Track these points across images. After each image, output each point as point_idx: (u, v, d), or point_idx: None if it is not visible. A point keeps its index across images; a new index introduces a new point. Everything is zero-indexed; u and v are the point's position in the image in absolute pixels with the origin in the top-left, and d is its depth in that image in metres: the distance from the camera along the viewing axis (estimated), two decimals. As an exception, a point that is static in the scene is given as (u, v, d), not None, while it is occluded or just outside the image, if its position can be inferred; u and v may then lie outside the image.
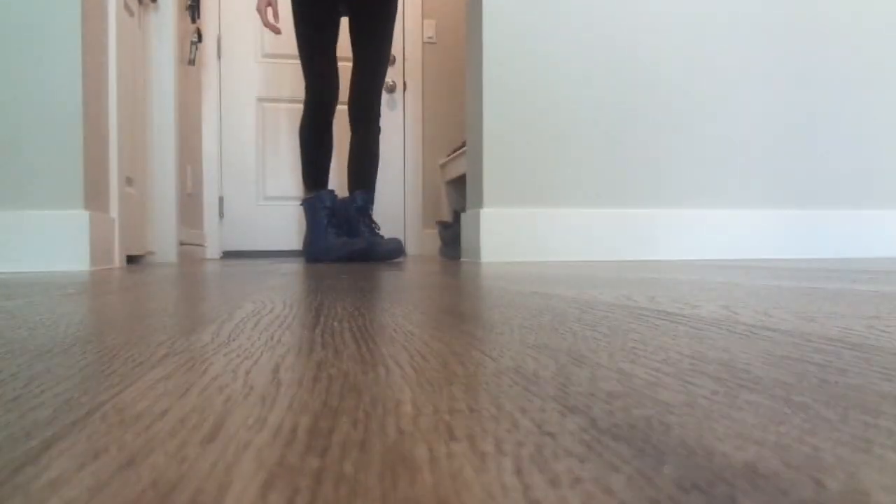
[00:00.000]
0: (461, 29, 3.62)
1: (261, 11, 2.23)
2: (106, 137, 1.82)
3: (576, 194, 2.02)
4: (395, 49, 3.57)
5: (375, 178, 2.30)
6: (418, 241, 3.56)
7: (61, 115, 1.60)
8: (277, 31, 2.23)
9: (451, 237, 2.52)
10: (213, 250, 3.34)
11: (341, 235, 2.20)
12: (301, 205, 2.36)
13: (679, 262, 1.74)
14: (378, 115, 2.29)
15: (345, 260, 2.13)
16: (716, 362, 0.28)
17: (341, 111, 3.46)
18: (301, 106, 3.49)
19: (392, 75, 3.57)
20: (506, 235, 1.96)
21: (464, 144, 2.88)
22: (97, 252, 1.66)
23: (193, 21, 2.92)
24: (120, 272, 1.41)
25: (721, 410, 0.20)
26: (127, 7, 2.14)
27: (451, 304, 0.56)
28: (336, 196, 2.25)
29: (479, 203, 2.01)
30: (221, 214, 3.37)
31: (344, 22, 2.39)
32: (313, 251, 2.20)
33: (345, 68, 3.34)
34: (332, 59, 2.25)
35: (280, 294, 0.71)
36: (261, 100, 3.41)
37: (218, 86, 3.35)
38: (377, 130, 2.30)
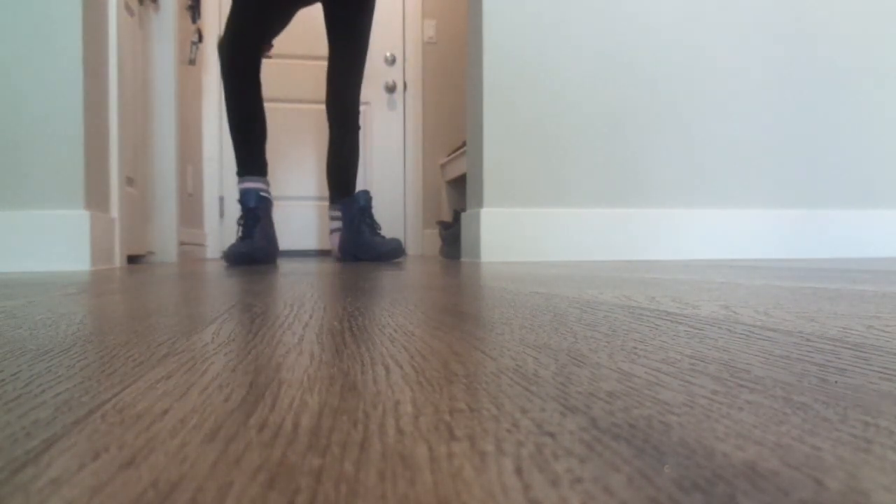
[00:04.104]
0: (461, 29, 3.62)
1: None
2: (106, 137, 1.82)
3: (576, 194, 2.02)
4: (395, 49, 3.57)
5: (356, 178, 2.27)
6: (418, 241, 3.56)
7: (62, 114, 1.60)
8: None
9: (451, 237, 2.52)
10: (213, 250, 3.34)
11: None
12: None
13: (679, 262, 1.74)
14: (357, 113, 2.22)
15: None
16: (716, 362, 0.28)
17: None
18: (300, 105, 3.51)
19: (392, 75, 3.57)
20: (506, 235, 1.96)
21: (464, 144, 2.88)
22: (98, 252, 1.66)
23: (194, 21, 2.92)
24: (120, 272, 1.41)
25: (721, 410, 0.20)
26: (128, 7, 2.14)
27: (451, 304, 0.56)
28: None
29: (479, 203, 2.01)
30: (222, 214, 3.37)
31: (318, 16, 2.30)
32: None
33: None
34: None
35: (280, 293, 0.71)
36: (261, 100, 3.41)
37: (218, 86, 3.35)
38: (357, 129, 2.23)
